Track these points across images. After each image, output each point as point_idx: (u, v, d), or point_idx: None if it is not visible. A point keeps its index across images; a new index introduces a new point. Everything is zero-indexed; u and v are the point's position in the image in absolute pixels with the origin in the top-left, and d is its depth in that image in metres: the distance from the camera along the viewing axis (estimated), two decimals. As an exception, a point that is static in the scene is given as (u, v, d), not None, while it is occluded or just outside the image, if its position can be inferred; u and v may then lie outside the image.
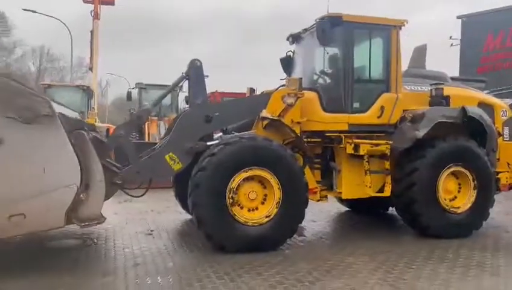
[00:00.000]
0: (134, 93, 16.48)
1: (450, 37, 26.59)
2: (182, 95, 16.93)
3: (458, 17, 25.50)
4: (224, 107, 6.39)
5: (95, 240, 5.74)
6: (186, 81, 6.21)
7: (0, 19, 35.69)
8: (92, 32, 21.76)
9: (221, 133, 6.58)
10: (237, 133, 6.26)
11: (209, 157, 5.24)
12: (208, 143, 5.77)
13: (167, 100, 16.37)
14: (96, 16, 22.13)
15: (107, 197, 5.03)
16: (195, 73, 5.97)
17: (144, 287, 4.06)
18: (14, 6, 46.34)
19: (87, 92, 15.40)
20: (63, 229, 6.22)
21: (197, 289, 4.01)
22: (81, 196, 4.49)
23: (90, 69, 21.07)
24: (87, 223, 4.59)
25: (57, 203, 4.34)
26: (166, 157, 5.45)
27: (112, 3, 23.91)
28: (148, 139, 13.45)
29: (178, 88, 7.43)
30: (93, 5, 22.78)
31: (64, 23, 22.90)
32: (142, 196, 5.81)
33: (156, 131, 14.19)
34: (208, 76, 6.43)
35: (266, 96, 6.14)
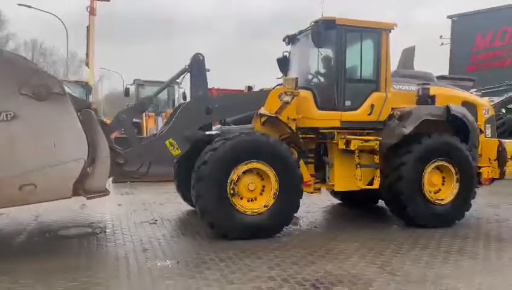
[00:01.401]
0: (132, 89, 16.75)
1: (441, 36, 27.15)
2: (175, 92, 17.42)
3: (448, 17, 26.03)
4: (224, 100, 6.70)
5: (104, 229, 6.09)
6: (186, 77, 6.57)
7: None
8: (88, 28, 21.96)
9: (219, 125, 6.97)
10: (235, 126, 6.65)
11: (211, 151, 5.63)
12: (207, 133, 6.21)
13: (164, 96, 16.75)
14: (92, 11, 22.34)
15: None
16: (197, 66, 6.31)
17: (154, 269, 4.44)
18: (9, 1, 46.05)
19: (86, 87, 15.67)
20: (73, 219, 6.63)
21: (203, 270, 4.41)
22: (88, 169, 4.88)
23: (87, 64, 21.24)
24: (92, 195, 4.98)
25: (66, 175, 4.71)
26: (167, 142, 5.84)
27: (108, 0, 24.17)
28: (147, 134, 13.79)
29: (176, 83, 7.77)
30: (89, 1, 23.03)
31: (59, 18, 23.01)
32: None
33: (153, 126, 14.53)
34: (209, 70, 6.77)
35: (264, 93, 6.55)
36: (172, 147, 5.85)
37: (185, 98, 13.56)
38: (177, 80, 6.78)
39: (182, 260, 4.72)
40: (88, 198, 5.00)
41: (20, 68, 4.55)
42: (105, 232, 5.93)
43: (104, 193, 5.08)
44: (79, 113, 4.82)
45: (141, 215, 7.07)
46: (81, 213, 7.27)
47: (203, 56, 6.34)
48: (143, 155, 5.79)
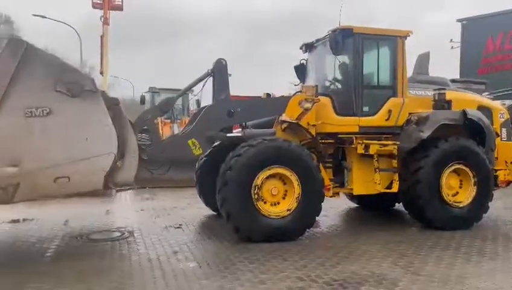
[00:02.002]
0: (147, 97, 17.07)
1: (451, 40, 27.18)
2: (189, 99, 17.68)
3: (458, 20, 26.07)
4: (246, 104, 6.88)
5: (132, 233, 6.32)
6: (198, 85, 6.82)
7: (6, 23, 36.22)
8: (101, 37, 22.41)
9: (239, 129, 7.17)
10: (255, 130, 6.85)
11: (236, 157, 5.84)
12: (228, 135, 6.45)
13: (179, 103, 17.04)
14: (106, 21, 22.79)
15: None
16: (220, 71, 6.57)
17: (187, 270, 4.65)
18: (24, 11, 46.93)
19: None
20: (100, 224, 6.88)
21: (234, 271, 4.60)
22: (118, 163, 5.13)
23: (101, 73, 21.67)
24: (121, 188, 5.21)
25: (97, 169, 4.96)
26: (189, 142, 6.09)
27: (121, 9, 24.61)
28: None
29: (190, 91, 7.97)
30: (102, 11, 23.51)
31: (74, 28, 23.51)
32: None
33: (169, 133, 14.77)
34: (230, 75, 7.00)
35: (285, 99, 6.79)
36: (194, 147, 6.10)
37: (198, 105, 13.77)
38: (204, 80, 7.04)
39: (212, 262, 4.93)
40: (117, 191, 5.24)
41: (55, 67, 4.86)
42: (133, 236, 6.15)
43: (132, 186, 5.34)
44: (109, 110, 5.09)
45: (165, 220, 7.29)
46: (107, 218, 7.53)
47: (225, 61, 6.59)
48: (165, 152, 6.04)
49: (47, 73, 4.78)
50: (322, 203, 6.18)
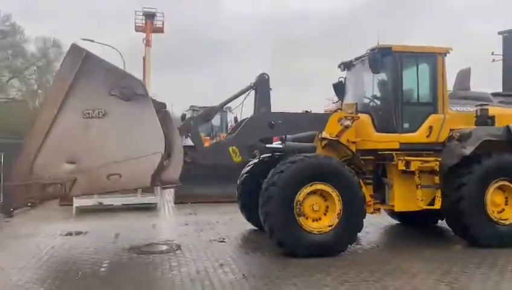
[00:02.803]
0: (188, 115, 17.63)
1: (492, 53, 26.43)
2: (227, 117, 18.14)
3: (499, 33, 25.34)
4: (287, 118, 6.95)
5: (179, 246, 6.61)
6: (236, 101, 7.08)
7: (55, 47, 38.42)
8: (144, 58, 23.51)
9: (279, 141, 7.38)
10: (295, 143, 7.05)
11: (279, 173, 6.04)
12: (267, 145, 6.70)
13: (217, 121, 17.53)
14: (148, 43, 23.93)
15: None
16: (262, 85, 6.88)
17: (234, 282, 4.86)
18: (74, 36, 49.59)
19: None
20: (149, 237, 7.22)
21: (279, 284, 4.77)
22: (165, 162, 5.52)
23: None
24: (167, 186, 5.58)
25: (146, 167, 5.36)
26: (230, 149, 6.39)
27: (162, 32, 25.78)
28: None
29: (228, 108, 8.23)
30: (144, 34, 24.72)
31: (118, 51, 24.70)
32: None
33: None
34: (271, 89, 7.26)
35: (325, 115, 6.97)
36: (234, 154, 6.39)
37: (236, 121, 14.11)
38: (230, 105, 7.39)
39: (257, 275, 5.11)
40: (163, 188, 5.61)
41: (111, 72, 5.39)
42: (180, 249, 6.43)
43: (177, 184, 5.70)
44: (158, 113, 5.50)
45: (209, 234, 7.54)
46: (154, 232, 7.88)
47: (268, 76, 6.90)
48: (207, 157, 6.42)
49: (103, 78, 5.34)
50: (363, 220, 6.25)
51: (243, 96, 7.04)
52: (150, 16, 26.45)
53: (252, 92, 6.99)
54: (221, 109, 7.89)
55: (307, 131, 7.01)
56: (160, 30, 26.62)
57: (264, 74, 6.90)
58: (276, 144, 7.26)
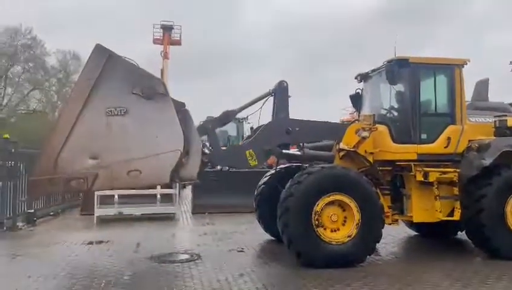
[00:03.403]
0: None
1: (510, 62, 26.10)
2: (244, 127, 18.30)
3: (518, 42, 25.07)
4: (305, 125, 6.87)
5: (199, 255, 6.71)
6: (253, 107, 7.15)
7: (74, 58, 39.38)
8: (162, 70, 23.94)
9: (296, 148, 7.44)
10: (313, 151, 7.10)
11: (296, 184, 6.12)
12: (284, 151, 6.83)
13: (233, 131, 17.69)
14: (166, 55, 24.40)
15: None
16: (281, 92, 6.97)
17: (254, 292, 4.94)
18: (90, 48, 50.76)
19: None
20: (169, 246, 7.34)
21: (299, 294, 4.82)
22: (183, 160, 5.67)
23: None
24: (186, 182, 5.69)
25: (165, 164, 5.50)
26: (247, 152, 6.50)
27: (179, 44, 26.26)
28: (221, 169, 14.57)
29: (244, 119, 8.30)
30: (162, 46, 25.22)
31: (136, 63, 25.19)
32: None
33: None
34: (290, 96, 7.35)
35: (343, 125, 7.05)
36: (251, 158, 6.49)
37: (253, 132, 14.19)
38: (246, 115, 7.48)
39: (276, 285, 5.18)
40: (182, 185, 5.72)
41: (133, 72, 5.57)
42: (200, 258, 6.53)
43: (195, 180, 5.82)
44: (177, 112, 5.66)
45: (228, 244, 7.62)
46: (174, 241, 8.01)
47: (287, 83, 7.00)
48: (224, 159, 6.56)
49: (125, 77, 5.53)
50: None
51: (261, 102, 7.15)
52: (167, 29, 27.03)
53: (270, 100, 7.09)
54: (240, 112, 7.95)
55: (324, 140, 7.08)
56: (177, 42, 27.14)
57: (283, 81, 7.02)
58: (295, 151, 7.34)
